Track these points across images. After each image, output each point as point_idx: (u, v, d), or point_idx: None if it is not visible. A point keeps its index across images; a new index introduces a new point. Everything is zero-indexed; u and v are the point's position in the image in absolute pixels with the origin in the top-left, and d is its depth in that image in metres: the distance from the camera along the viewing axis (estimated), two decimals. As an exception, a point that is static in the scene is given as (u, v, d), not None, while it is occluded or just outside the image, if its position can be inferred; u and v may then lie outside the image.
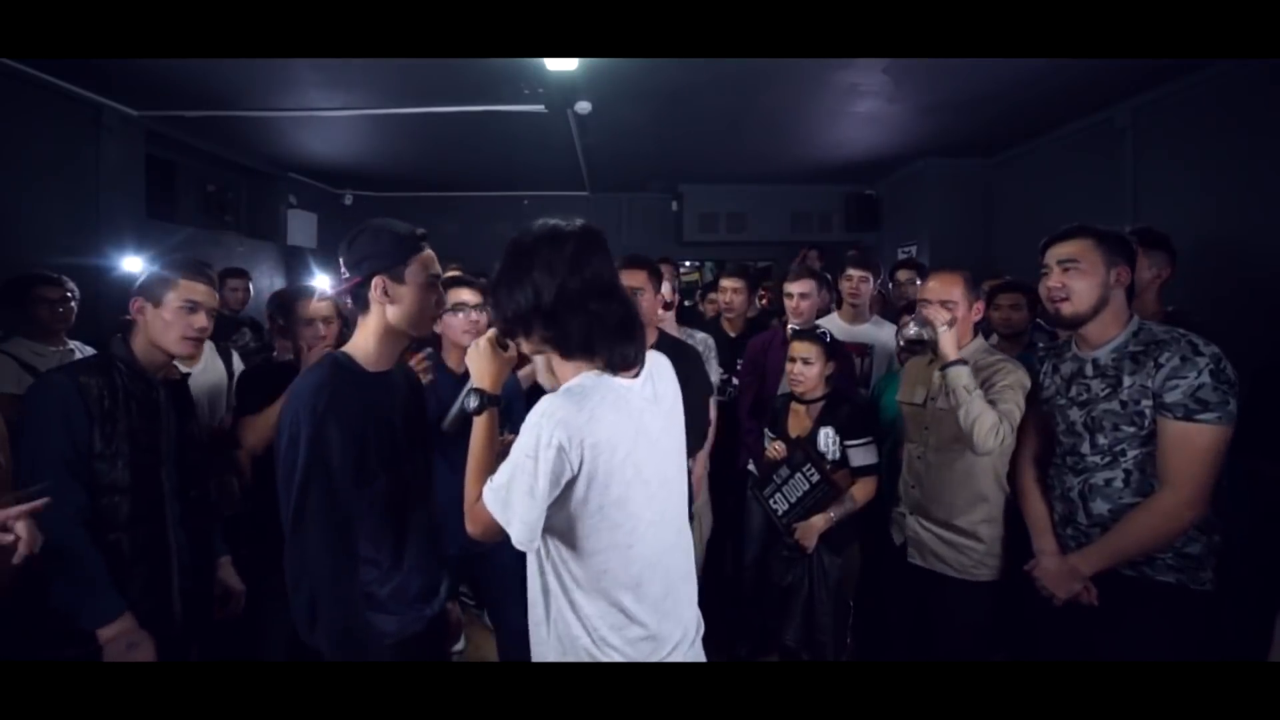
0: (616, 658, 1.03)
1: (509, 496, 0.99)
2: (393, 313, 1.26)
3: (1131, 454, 1.51)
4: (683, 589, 1.15)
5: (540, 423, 0.97)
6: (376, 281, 1.24)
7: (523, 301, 1.02)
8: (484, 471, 1.08)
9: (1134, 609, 1.50)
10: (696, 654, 1.16)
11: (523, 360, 1.77)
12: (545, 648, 1.07)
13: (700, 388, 2.25)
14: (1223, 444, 1.42)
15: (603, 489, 0.99)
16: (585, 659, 1.03)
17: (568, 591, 1.04)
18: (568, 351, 1.04)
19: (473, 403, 1.15)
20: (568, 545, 1.03)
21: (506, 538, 1.02)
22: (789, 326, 2.65)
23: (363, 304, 1.27)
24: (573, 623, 1.04)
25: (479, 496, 1.05)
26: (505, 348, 1.19)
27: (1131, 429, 1.49)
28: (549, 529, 1.02)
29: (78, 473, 1.37)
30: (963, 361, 1.74)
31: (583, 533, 1.01)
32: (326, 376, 1.21)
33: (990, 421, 1.68)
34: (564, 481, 0.97)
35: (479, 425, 1.15)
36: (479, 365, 1.18)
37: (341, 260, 1.28)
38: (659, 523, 1.08)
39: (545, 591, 1.07)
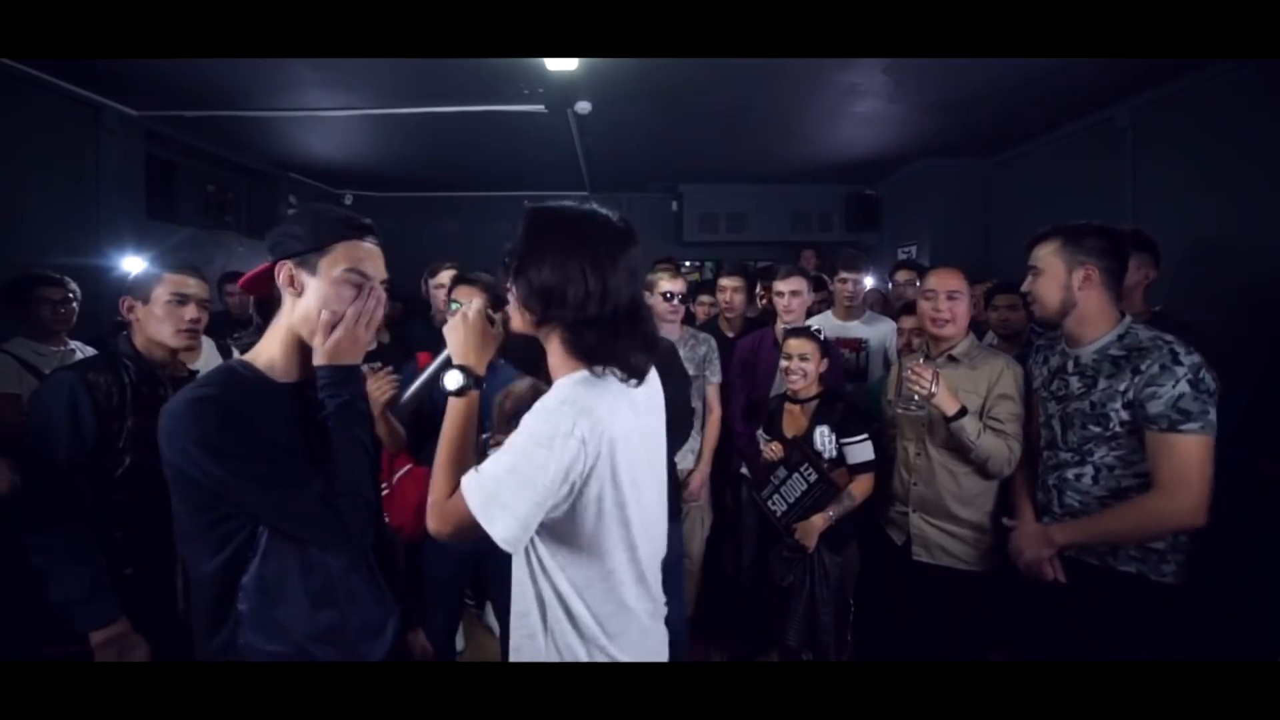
0: (623, 659, 1.00)
1: (499, 489, 0.89)
2: (298, 310, 1.03)
3: (1099, 454, 1.54)
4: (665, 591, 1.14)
5: (561, 409, 0.89)
6: (281, 268, 1.02)
7: (562, 287, 0.92)
8: (458, 462, 0.97)
9: (1096, 596, 1.54)
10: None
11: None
12: (543, 658, 1.01)
13: (679, 379, 2.29)
14: (1208, 451, 1.42)
15: (615, 487, 0.93)
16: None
17: (565, 600, 0.97)
18: (584, 349, 0.94)
19: (454, 382, 0.99)
20: (570, 547, 0.96)
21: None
22: (780, 326, 2.66)
23: (277, 298, 1.06)
24: (570, 631, 0.98)
25: (451, 490, 0.94)
26: (493, 323, 1.05)
27: (1097, 429, 1.52)
28: (548, 532, 0.95)
29: (84, 471, 1.37)
30: (964, 411, 1.76)
31: (591, 532, 0.94)
32: (213, 391, 0.98)
33: (1002, 455, 1.77)
34: (574, 477, 0.89)
35: (457, 409, 1.00)
36: (465, 338, 1.02)
37: (268, 247, 1.07)
38: (656, 523, 1.06)
39: (540, 600, 0.99)
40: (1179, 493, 1.42)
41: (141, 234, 3.58)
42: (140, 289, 1.51)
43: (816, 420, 2.14)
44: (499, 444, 1.66)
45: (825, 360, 2.17)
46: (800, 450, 2.09)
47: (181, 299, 1.51)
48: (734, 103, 3.52)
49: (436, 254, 3.12)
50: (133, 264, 3.39)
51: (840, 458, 2.10)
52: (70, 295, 2.36)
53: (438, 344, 2.12)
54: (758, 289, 3.52)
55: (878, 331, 2.79)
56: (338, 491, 1.01)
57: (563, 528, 0.94)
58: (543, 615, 0.99)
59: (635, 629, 1.01)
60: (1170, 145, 3.17)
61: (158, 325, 1.50)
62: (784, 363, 2.19)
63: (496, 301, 2.08)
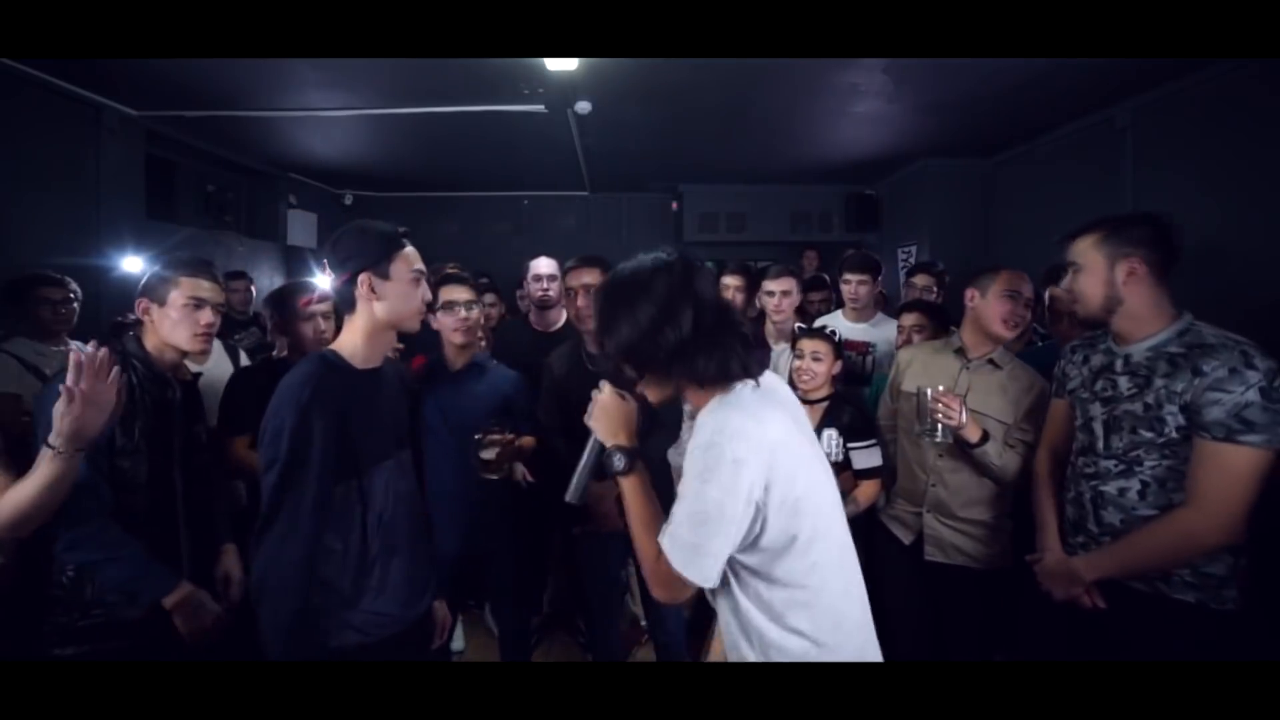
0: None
1: (695, 539, 0.94)
2: (380, 309, 1.30)
3: (1149, 464, 1.39)
4: (861, 588, 1.11)
5: (714, 442, 0.93)
6: (363, 279, 1.27)
7: (653, 346, 0.98)
8: (655, 529, 1.02)
9: (1146, 626, 1.40)
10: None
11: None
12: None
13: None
14: (1263, 468, 1.27)
15: (791, 484, 0.96)
16: None
17: (763, 633, 1.00)
18: (705, 382, 1.00)
19: (620, 464, 1.07)
20: (774, 574, 0.98)
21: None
22: (769, 326, 2.64)
23: (349, 302, 1.30)
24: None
25: (658, 553, 0.98)
26: (624, 396, 1.13)
27: (1149, 434, 1.38)
28: (742, 564, 0.99)
29: (101, 468, 1.37)
30: (986, 438, 1.75)
31: (785, 528, 0.96)
32: (313, 372, 1.24)
33: (1017, 467, 1.77)
34: (755, 496, 0.93)
35: (633, 484, 1.07)
36: (612, 422, 1.11)
37: (327, 261, 1.32)
38: (837, 508, 1.08)
39: (754, 631, 1.01)
40: (1214, 510, 1.28)
41: (141, 234, 3.58)
42: (157, 291, 1.50)
43: (825, 423, 2.11)
44: (493, 442, 1.67)
45: (838, 362, 2.13)
46: (805, 453, 2.07)
47: (198, 303, 1.51)
48: (734, 103, 3.51)
49: (436, 254, 3.12)
50: (133, 264, 3.39)
51: (846, 462, 2.09)
52: (70, 295, 2.36)
53: (437, 345, 2.12)
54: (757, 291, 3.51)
55: (886, 335, 2.72)
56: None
57: (763, 551, 0.97)
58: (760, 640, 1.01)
59: (855, 638, 1.04)
60: (1170, 145, 3.17)
61: (173, 328, 1.49)
62: (796, 362, 2.15)
63: (487, 292, 2.08)
